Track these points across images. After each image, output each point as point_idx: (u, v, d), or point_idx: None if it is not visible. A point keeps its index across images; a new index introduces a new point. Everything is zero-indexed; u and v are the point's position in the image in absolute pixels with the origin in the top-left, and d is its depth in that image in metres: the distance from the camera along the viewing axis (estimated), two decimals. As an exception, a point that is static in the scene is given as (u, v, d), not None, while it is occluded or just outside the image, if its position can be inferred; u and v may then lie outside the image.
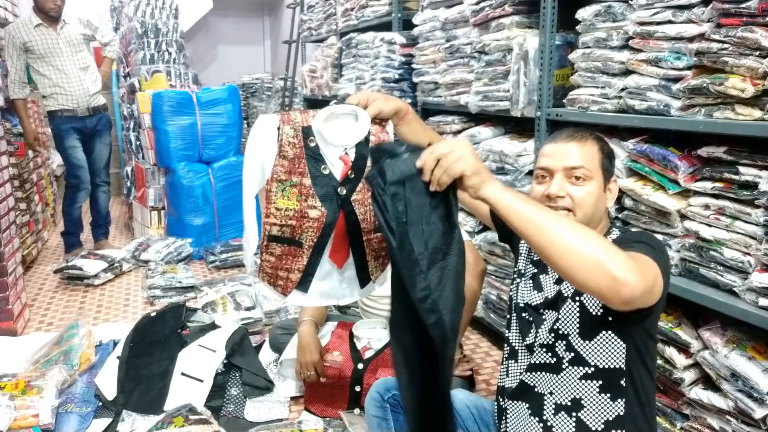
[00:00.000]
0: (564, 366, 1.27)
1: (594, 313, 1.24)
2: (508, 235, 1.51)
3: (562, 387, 1.28)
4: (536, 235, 1.05)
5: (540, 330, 1.33)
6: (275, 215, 1.30)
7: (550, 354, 1.30)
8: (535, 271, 1.40)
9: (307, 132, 1.29)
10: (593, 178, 1.30)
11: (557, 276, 1.33)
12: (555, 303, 1.31)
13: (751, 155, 1.59)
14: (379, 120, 1.34)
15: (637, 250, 1.14)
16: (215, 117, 4.30)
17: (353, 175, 1.31)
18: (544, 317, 1.33)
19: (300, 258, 1.33)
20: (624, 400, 1.24)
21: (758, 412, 1.53)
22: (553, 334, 1.29)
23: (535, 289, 1.37)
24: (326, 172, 1.30)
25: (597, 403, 1.25)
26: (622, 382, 1.24)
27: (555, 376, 1.29)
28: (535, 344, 1.33)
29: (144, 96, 4.29)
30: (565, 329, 1.28)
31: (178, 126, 4.17)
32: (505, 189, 1.08)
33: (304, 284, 1.36)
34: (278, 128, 1.29)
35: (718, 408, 1.65)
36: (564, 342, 1.28)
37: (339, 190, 1.30)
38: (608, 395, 1.24)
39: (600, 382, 1.24)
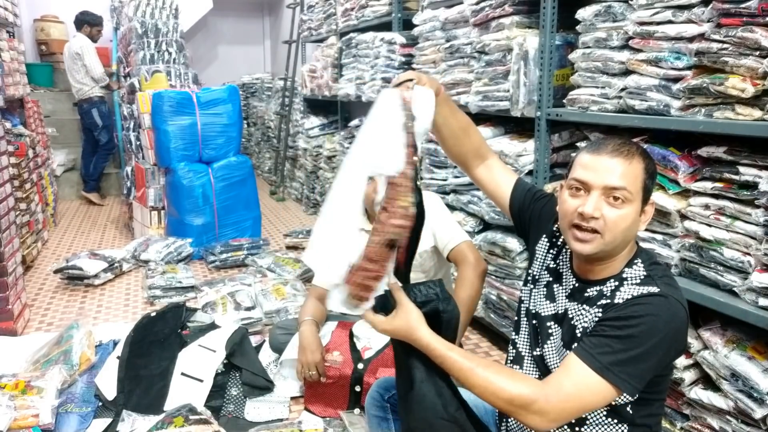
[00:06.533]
0: None
1: None
2: (525, 232, 1.48)
3: None
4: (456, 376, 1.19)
5: (547, 345, 1.30)
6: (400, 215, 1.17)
7: None
8: (550, 279, 1.36)
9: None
10: (632, 201, 1.17)
11: (569, 290, 1.30)
12: (563, 320, 1.28)
13: (751, 155, 1.59)
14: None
15: (603, 346, 1.11)
16: (215, 117, 4.30)
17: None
18: (550, 331, 1.30)
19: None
20: (628, 425, 1.21)
21: (758, 412, 1.53)
22: (559, 359, 1.25)
23: (548, 299, 1.34)
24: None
25: (601, 424, 1.22)
26: (628, 409, 1.20)
27: None
28: (543, 359, 1.30)
29: (144, 96, 4.29)
30: None
31: (178, 126, 4.17)
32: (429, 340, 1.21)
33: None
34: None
35: (718, 408, 1.65)
36: None
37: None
38: (615, 420, 1.21)
39: (607, 408, 1.20)
